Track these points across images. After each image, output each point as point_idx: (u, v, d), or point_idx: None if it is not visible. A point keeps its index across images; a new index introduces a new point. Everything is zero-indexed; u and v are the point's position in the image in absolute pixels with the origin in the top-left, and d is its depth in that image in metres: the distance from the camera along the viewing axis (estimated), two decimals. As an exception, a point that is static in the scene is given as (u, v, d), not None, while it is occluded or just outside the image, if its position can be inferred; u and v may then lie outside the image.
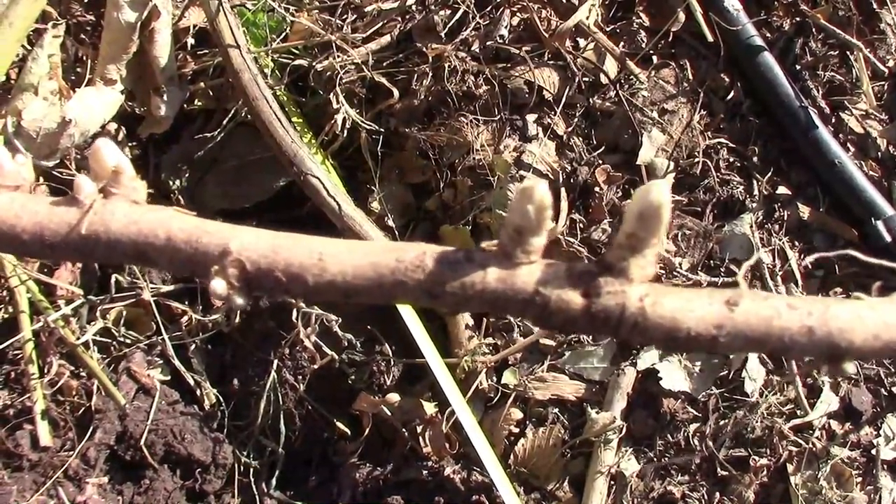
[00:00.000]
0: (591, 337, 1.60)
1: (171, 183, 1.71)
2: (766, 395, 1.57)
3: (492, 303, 0.66)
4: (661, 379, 1.57)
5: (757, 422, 1.56)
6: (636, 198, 0.63)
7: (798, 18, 1.72)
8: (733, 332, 0.63)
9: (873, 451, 1.59)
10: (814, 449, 1.57)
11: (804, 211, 1.67)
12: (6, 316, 1.59)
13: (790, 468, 1.57)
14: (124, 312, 1.62)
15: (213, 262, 0.67)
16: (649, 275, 0.66)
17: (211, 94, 1.74)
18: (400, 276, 0.66)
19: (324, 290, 0.68)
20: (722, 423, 1.58)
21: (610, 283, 0.64)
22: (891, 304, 0.65)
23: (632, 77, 1.69)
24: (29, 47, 1.59)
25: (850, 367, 0.65)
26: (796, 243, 1.67)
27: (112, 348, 1.61)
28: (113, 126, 1.68)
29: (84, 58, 1.70)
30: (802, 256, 1.65)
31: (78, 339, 1.56)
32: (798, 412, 1.58)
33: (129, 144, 1.72)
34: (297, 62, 1.69)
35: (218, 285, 0.66)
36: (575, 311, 0.65)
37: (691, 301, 0.65)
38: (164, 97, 1.66)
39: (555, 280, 0.65)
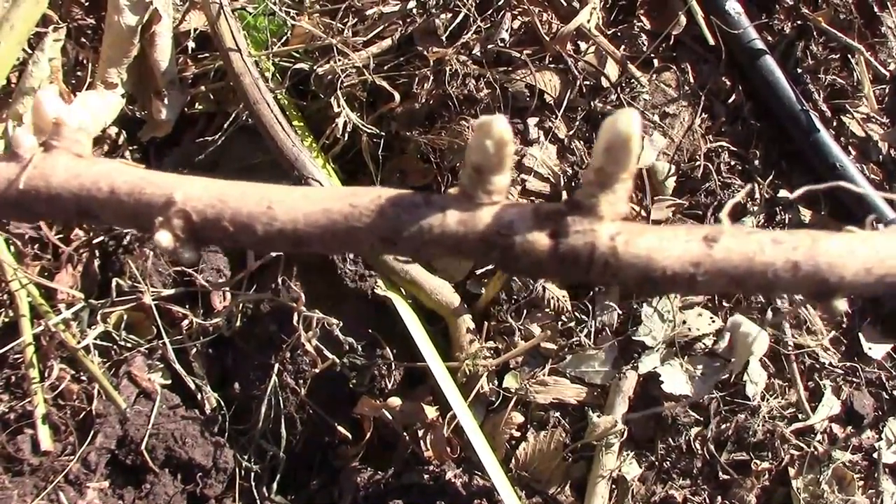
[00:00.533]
0: (592, 340, 1.59)
1: (171, 186, 1.71)
2: (768, 399, 1.57)
3: (453, 247, 0.63)
4: (662, 383, 1.56)
5: (758, 425, 1.56)
6: (603, 130, 0.59)
7: (799, 22, 1.72)
8: (713, 269, 0.60)
9: (875, 455, 1.59)
10: (815, 452, 1.56)
11: (805, 214, 1.67)
12: (7, 320, 1.58)
13: (792, 472, 1.57)
14: (125, 316, 1.62)
15: (158, 214, 0.64)
16: (621, 212, 0.62)
17: (212, 97, 1.74)
18: (354, 221, 0.63)
19: (274, 240, 0.64)
20: (723, 426, 1.57)
21: (578, 221, 0.60)
22: (884, 235, 0.61)
23: (633, 80, 1.69)
24: (30, 51, 1.59)
25: (841, 304, 0.62)
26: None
27: (113, 352, 1.61)
28: (114, 129, 1.68)
29: (85, 61, 1.70)
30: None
31: (79, 343, 1.55)
32: (800, 416, 1.58)
33: (130, 148, 1.72)
34: (298, 66, 1.69)
35: (163, 237, 0.63)
36: (541, 253, 0.61)
37: (667, 238, 0.61)
38: (165, 101, 1.66)
39: (520, 220, 0.61)
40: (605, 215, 0.61)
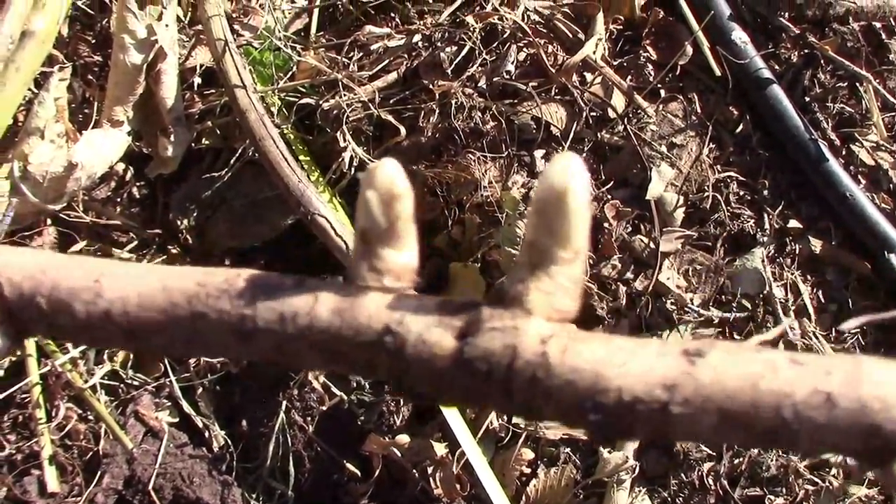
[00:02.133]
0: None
1: (179, 223, 1.71)
2: (781, 433, 1.55)
3: (325, 346, 0.46)
4: (674, 417, 1.54)
5: (772, 460, 1.54)
6: (538, 184, 0.44)
7: (806, 50, 1.72)
8: (695, 397, 0.40)
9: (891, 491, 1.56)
10: (830, 487, 1.54)
11: (816, 245, 1.65)
12: (14, 359, 1.58)
13: (807, 507, 1.55)
14: (132, 354, 1.61)
15: None
16: (562, 309, 0.44)
17: (218, 132, 1.74)
18: (199, 305, 0.47)
19: (98, 326, 0.49)
20: (736, 461, 1.55)
21: (497, 315, 0.43)
22: None
23: (640, 111, 1.68)
24: (36, 90, 1.59)
25: None
26: (809, 277, 1.65)
27: (120, 391, 1.61)
28: (121, 167, 1.68)
29: (91, 98, 1.70)
30: (815, 290, 1.64)
31: (85, 382, 1.55)
32: (814, 450, 1.56)
33: (137, 184, 1.72)
34: (304, 100, 1.69)
35: None
36: (441, 360, 0.43)
37: (626, 349, 0.42)
38: (172, 137, 1.65)
39: (417, 314, 0.44)
40: (536, 310, 0.43)
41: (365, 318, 0.45)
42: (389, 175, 0.46)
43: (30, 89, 1.57)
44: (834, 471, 1.55)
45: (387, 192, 0.45)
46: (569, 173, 0.42)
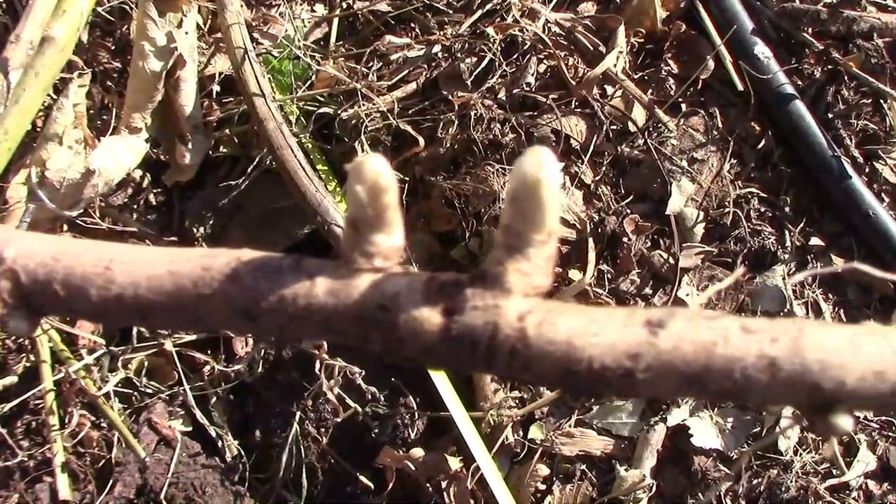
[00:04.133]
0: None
1: (195, 230, 1.70)
2: (801, 454, 1.53)
3: (323, 324, 0.50)
4: (691, 436, 1.53)
5: (791, 481, 1.52)
6: (512, 174, 0.48)
7: (830, 66, 1.70)
8: (657, 364, 0.45)
9: (912, 513, 1.54)
10: (851, 510, 1.52)
11: (838, 262, 1.63)
12: (28, 365, 1.57)
13: (826, 529, 1.52)
14: (146, 362, 1.60)
15: None
16: (539, 286, 0.49)
17: (236, 140, 1.73)
18: (205, 288, 0.51)
19: (112, 309, 0.53)
20: (755, 482, 1.53)
21: (479, 295, 0.48)
22: None
23: (660, 125, 1.66)
24: (55, 96, 1.59)
25: (844, 422, 0.45)
26: (830, 296, 1.63)
27: (133, 398, 1.60)
28: (138, 173, 1.67)
29: (110, 105, 1.70)
30: (836, 309, 1.62)
31: (99, 389, 1.54)
32: (834, 471, 1.54)
33: (154, 192, 1.71)
34: (323, 110, 1.68)
35: None
36: (430, 335, 0.48)
37: (597, 321, 0.47)
38: (189, 145, 1.65)
39: (407, 293, 0.49)
40: (514, 288, 0.48)
41: (359, 297, 0.50)
42: (375, 170, 0.48)
43: (49, 95, 1.57)
44: (855, 493, 1.53)
45: (373, 186, 0.48)
46: (541, 165, 0.46)
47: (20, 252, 0.54)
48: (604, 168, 1.65)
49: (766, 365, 0.44)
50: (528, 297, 0.48)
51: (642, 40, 1.74)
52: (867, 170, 1.67)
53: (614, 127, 1.66)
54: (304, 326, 0.51)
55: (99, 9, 1.71)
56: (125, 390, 1.58)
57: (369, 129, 1.64)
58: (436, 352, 0.48)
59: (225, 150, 1.73)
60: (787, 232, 1.64)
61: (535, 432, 1.56)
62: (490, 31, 1.67)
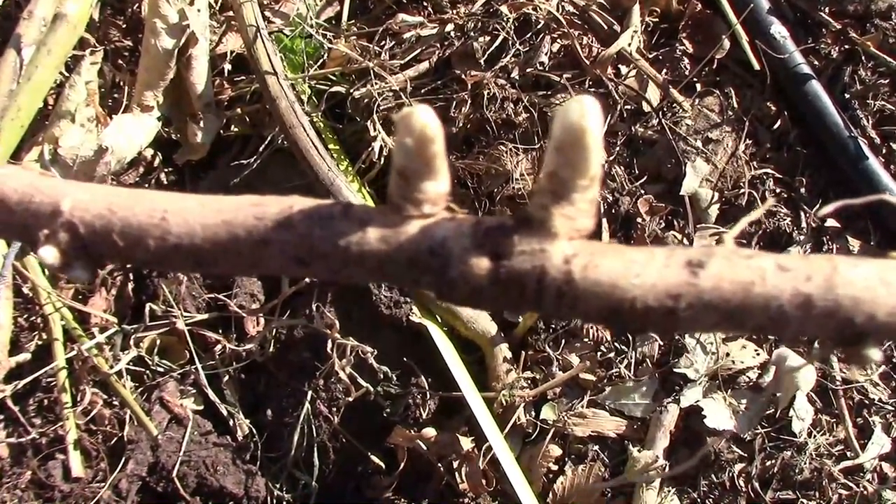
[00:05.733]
0: (632, 372, 1.55)
1: (206, 210, 1.69)
2: (815, 436, 1.52)
3: (377, 270, 0.52)
4: (704, 417, 1.52)
5: (805, 463, 1.51)
6: (554, 124, 0.49)
7: (847, 46, 1.68)
8: (697, 303, 0.47)
9: (927, 496, 1.53)
10: (865, 492, 1.51)
11: (854, 244, 1.62)
12: (40, 343, 1.58)
13: (839, 511, 1.51)
14: (158, 341, 1.60)
15: (44, 226, 0.55)
16: (582, 229, 0.50)
17: (248, 120, 1.73)
18: (259, 237, 0.53)
19: (170, 257, 0.55)
20: (768, 463, 1.52)
21: (526, 240, 0.49)
22: None
23: (675, 105, 1.65)
24: (67, 74, 1.59)
25: (874, 353, 0.48)
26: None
27: (145, 377, 1.60)
28: (149, 152, 1.67)
29: (121, 83, 1.69)
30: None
31: (111, 367, 1.54)
32: (848, 454, 1.53)
33: (166, 170, 1.71)
34: (335, 89, 1.67)
35: (48, 254, 0.54)
36: (480, 279, 0.49)
37: (640, 262, 0.48)
38: (201, 124, 1.65)
39: (455, 238, 0.50)
40: (560, 232, 0.49)
41: (410, 244, 0.51)
42: (423, 120, 0.48)
43: (61, 73, 1.57)
44: (869, 475, 1.52)
45: (421, 136, 0.49)
46: (585, 113, 0.47)
47: (76, 204, 0.55)
48: (618, 148, 1.64)
49: (801, 302, 0.46)
50: (572, 241, 0.50)
51: (657, 19, 1.72)
52: (884, 150, 1.65)
53: (628, 107, 1.65)
54: (358, 271, 0.53)
55: (111, -14, 1.70)
56: (137, 368, 1.58)
57: (381, 108, 1.63)
58: (485, 294, 0.50)
59: (236, 129, 1.73)
60: (802, 213, 1.62)
61: (547, 413, 1.56)
62: (503, 9, 1.66)
